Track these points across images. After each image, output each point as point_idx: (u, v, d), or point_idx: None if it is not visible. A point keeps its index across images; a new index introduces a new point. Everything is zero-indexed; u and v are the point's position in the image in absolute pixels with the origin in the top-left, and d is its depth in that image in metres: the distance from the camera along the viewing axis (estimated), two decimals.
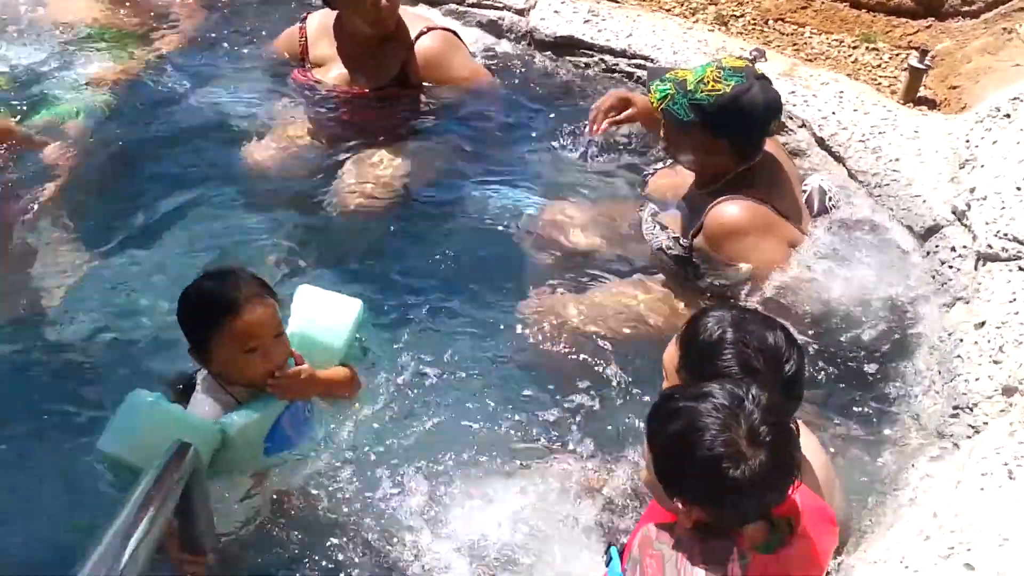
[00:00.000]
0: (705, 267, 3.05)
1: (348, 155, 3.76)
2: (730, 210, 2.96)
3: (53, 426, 2.79)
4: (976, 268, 2.92)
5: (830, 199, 3.20)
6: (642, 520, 2.02)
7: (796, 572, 1.83)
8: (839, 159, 3.51)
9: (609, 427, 2.80)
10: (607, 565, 2.01)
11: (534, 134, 3.96)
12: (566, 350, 3.02)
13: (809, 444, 2.24)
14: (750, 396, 1.76)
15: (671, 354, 2.18)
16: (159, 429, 2.30)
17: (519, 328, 3.11)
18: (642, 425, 1.95)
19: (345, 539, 2.50)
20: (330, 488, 2.59)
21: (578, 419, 2.83)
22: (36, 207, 3.51)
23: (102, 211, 3.69)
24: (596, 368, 2.96)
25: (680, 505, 1.81)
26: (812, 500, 1.95)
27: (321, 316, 2.68)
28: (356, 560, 2.46)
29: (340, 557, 2.47)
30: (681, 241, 3.08)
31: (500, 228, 3.57)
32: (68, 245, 3.51)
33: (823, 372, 2.86)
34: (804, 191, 3.18)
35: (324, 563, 2.46)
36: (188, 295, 2.47)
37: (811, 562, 1.85)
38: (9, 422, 2.80)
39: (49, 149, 3.68)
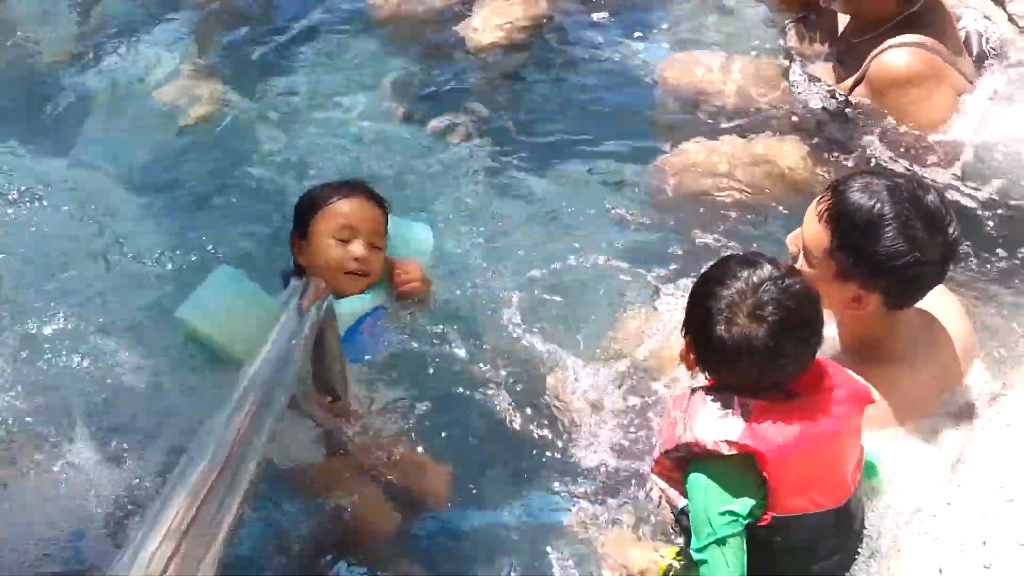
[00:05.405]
0: (863, 121, 2.88)
1: None
2: (900, 57, 2.77)
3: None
4: None
5: (987, 40, 3.00)
6: None
7: (799, 420, 1.80)
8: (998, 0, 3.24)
9: None
10: None
11: None
12: (699, 198, 2.97)
13: (951, 309, 2.19)
14: (776, 279, 1.79)
15: (817, 235, 1.99)
16: (238, 303, 2.34)
17: (650, 180, 3.08)
18: None
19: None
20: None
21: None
22: None
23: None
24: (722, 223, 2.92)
25: (693, 358, 1.90)
26: (845, 379, 1.90)
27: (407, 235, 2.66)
28: None
29: None
30: (837, 95, 2.93)
31: (632, 75, 3.50)
32: None
33: (972, 230, 2.70)
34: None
35: None
36: (311, 189, 2.57)
37: (816, 415, 1.81)
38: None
39: None
